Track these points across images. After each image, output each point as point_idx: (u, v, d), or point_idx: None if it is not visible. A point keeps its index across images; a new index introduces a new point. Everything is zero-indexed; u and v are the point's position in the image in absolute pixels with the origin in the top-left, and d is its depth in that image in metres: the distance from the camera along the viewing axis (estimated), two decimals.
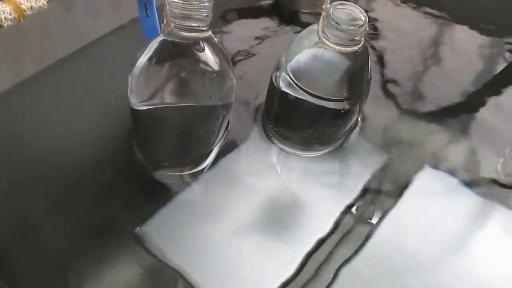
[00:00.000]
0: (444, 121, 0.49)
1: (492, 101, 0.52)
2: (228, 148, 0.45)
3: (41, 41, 0.50)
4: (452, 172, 0.45)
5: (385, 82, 0.52)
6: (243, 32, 0.56)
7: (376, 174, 0.44)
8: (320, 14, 0.36)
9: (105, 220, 0.39)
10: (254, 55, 0.54)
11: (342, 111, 0.40)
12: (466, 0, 0.65)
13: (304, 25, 0.40)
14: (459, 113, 0.51)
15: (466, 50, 0.57)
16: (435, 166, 0.46)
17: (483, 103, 0.52)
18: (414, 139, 0.47)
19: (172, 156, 0.44)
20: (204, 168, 0.43)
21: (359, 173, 0.45)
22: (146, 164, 0.43)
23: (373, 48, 0.56)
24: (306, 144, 0.45)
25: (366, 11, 0.37)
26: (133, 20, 0.52)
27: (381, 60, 0.54)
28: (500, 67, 0.56)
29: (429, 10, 0.61)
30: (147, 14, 0.44)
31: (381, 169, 0.45)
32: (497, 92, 0.54)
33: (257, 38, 0.55)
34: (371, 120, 0.48)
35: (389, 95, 0.51)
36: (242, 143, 0.46)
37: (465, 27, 0.60)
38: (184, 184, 0.42)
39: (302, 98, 0.40)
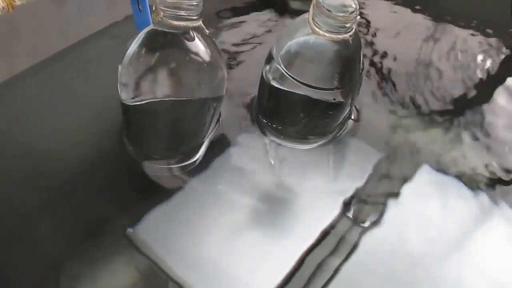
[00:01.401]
0: (441, 119, 0.49)
1: (490, 99, 0.52)
2: (221, 142, 0.44)
3: (33, 36, 0.50)
4: (450, 171, 0.45)
5: (381, 80, 0.52)
6: (236, 28, 0.56)
7: (372, 173, 0.44)
8: (309, 0, 0.36)
9: (96, 220, 0.39)
10: (246, 49, 0.54)
11: (333, 100, 0.40)
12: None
13: (295, 12, 0.39)
14: (457, 111, 0.50)
15: (463, 48, 0.57)
16: (433, 165, 0.45)
17: (481, 101, 0.52)
18: (411, 138, 0.47)
19: (162, 148, 0.43)
20: (195, 161, 0.43)
21: (354, 172, 0.44)
22: (136, 157, 0.43)
23: (370, 49, 0.56)
24: (299, 136, 0.44)
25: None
26: (127, 17, 0.51)
27: (377, 58, 0.54)
28: (496, 65, 0.56)
29: (425, 10, 0.61)
30: (139, 9, 0.43)
31: (377, 168, 0.44)
32: (495, 89, 0.53)
33: (249, 32, 0.56)
34: (367, 119, 0.48)
35: (385, 93, 0.51)
36: (235, 137, 0.45)
37: (461, 26, 0.60)
38: (176, 179, 0.42)
39: (294, 91, 0.40)
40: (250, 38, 0.55)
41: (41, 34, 0.50)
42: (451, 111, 0.50)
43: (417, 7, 0.61)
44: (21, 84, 0.47)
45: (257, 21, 0.57)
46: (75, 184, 0.41)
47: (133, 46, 0.37)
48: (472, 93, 0.52)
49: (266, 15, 0.58)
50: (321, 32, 0.36)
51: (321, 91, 0.39)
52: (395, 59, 0.54)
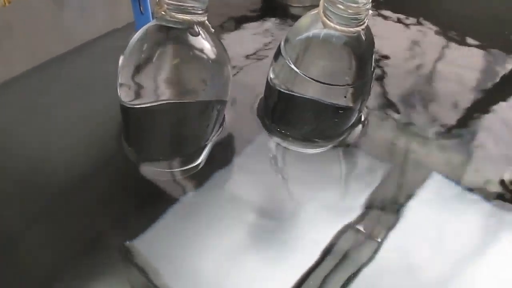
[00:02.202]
0: (452, 131, 0.48)
1: (497, 109, 0.51)
2: (224, 146, 0.43)
3: (30, 39, 0.49)
4: (461, 184, 0.43)
5: (386, 93, 0.51)
6: (240, 36, 0.56)
7: (380, 183, 0.42)
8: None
9: (92, 233, 0.37)
10: (250, 56, 0.54)
11: (344, 97, 0.39)
12: (462, 11, 0.66)
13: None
14: (468, 123, 0.49)
15: (467, 59, 0.57)
16: (444, 177, 0.44)
17: (488, 112, 0.51)
18: (418, 150, 0.46)
19: (163, 151, 0.42)
20: (197, 164, 0.41)
21: (362, 180, 0.43)
22: (135, 160, 0.41)
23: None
24: (305, 140, 0.43)
25: None
26: (128, 25, 0.51)
27: (382, 72, 0.54)
28: (501, 74, 0.56)
29: (427, 23, 0.61)
30: (141, 11, 0.43)
31: (385, 178, 0.43)
32: (502, 100, 0.52)
33: (253, 40, 0.56)
34: (376, 126, 0.47)
35: (390, 105, 0.50)
36: (239, 141, 0.44)
37: (464, 37, 0.60)
38: (177, 186, 0.40)
39: (301, 91, 0.38)
40: (253, 45, 0.55)
41: (38, 38, 0.49)
42: (461, 123, 0.49)
43: (420, 21, 0.61)
44: (15, 88, 0.46)
45: (259, 29, 0.57)
46: (69, 194, 0.39)
47: (134, 42, 0.36)
48: (483, 103, 0.52)
49: (268, 23, 0.58)
50: (332, 24, 0.35)
51: (330, 88, 0.38)
52: (400, 73, 0.54)
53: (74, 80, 0.48)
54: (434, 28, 0.60)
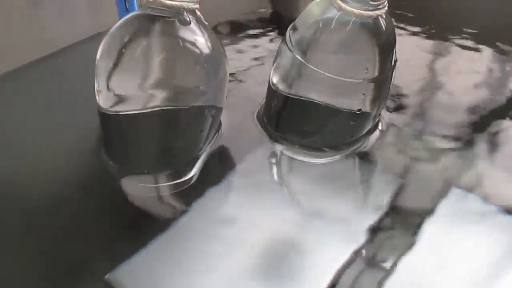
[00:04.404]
0: (464, 142, 0.46)
1: None
2: (221, 156, 0.41)
3: (2, 41, 0.47)
4: (480, 197, 0.41)
5: (397, 103, 0.49)
6: (241, 44, 0.55)
7: (393, 200, 0.39)
8: None
9: (70, 263, 0.34)
10: (253, 63, 0.52)
11: (360, 97, 0.35)
12: (471, 15, 0.65)
13: None
14: (481, 132, 0.47)
15: (480, 65, 0.56)
16: (462, 194, 0.41)
17: (506, 120, 0.49)
18: (433, 163, 0.43)
19: (150, 163, 0.39)
20: (189, 178, 0.38)
21: (375, 199, 0.40)
22: (117, 174, 0.38)
23: None
24: (314, 149, 0.41)
25: None
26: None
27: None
28: None
29: (436, 29, 0.60)
30: (126, 8, 0.42)
31: (396, 195, 0.40)
32: None
33: (256, 45, 0.55)
34: (390, 138, 0.45)
35: (402, 116, 0.48)
36: (237, 150, 0.42)
37: (474, 42, 0.59)
38: (165, 205, 0.38)
39: (310, 95, 0.36)
40: (257, 52, 0.53)
41: (10, 40, 0.47)
42: (481, 133, 0.47)
43: (430, 26, 0.60)
44: None
45: (263, 35, 0.57)
46: (41, 214, 0.36)
47: (112, 35, 0.33)
48: (500, 110, 0.50)
49: (273, 33, 0.57)
50: (348, 7, 0.32)
51: (345, 86, 0.34)
52: (410, 81, 0.52)
53: (50, 87, 0.46)
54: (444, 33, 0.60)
